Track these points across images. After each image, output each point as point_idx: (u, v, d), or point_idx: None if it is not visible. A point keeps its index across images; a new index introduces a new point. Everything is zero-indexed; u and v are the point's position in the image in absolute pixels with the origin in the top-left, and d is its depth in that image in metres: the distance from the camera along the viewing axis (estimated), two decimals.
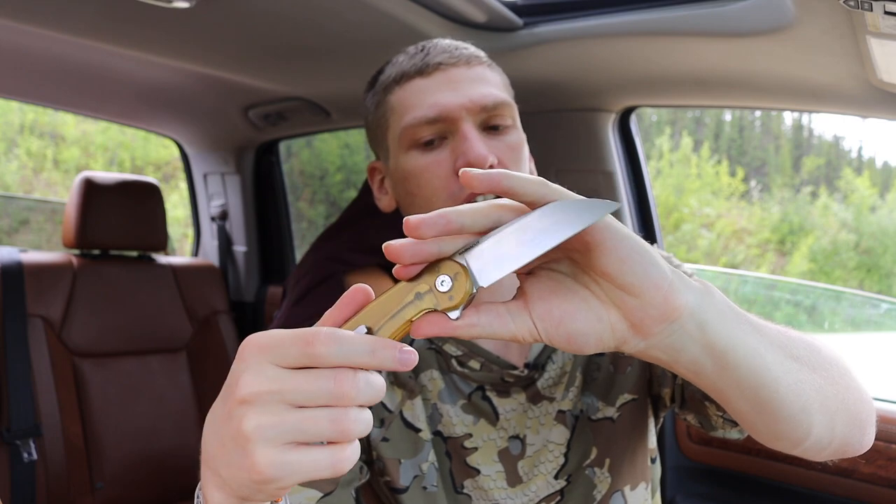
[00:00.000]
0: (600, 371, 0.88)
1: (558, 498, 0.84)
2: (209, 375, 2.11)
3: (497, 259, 0.47)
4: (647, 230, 1.69)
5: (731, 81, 1.32)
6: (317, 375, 0.44)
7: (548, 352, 0.86)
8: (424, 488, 0.83)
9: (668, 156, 11.93)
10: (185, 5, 1.19)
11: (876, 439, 1.36)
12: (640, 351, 0.52)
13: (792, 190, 12.32)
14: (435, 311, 0.47)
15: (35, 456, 1.72)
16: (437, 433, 0.84)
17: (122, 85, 1.84)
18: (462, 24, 1.34)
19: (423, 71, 0.81)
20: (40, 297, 1.85)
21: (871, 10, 0.88)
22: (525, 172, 0.83)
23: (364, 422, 0.44)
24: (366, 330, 0.47)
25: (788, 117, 13.26)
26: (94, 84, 1.83)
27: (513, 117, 0.84)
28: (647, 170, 1.68)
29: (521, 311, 0.50)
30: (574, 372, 0.87)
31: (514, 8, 1.32)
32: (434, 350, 0.87)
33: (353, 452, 0.45)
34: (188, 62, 1.58)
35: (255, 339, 0.46)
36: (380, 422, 0.85)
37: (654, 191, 1.75)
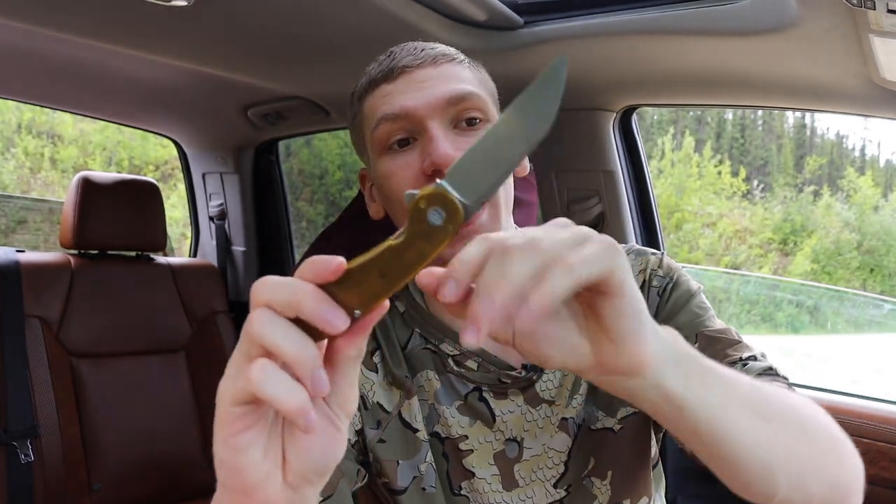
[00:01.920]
0: None
1: None
2: (208, 376, 2.10)
3: (480, 168, 0.45)
4: (649, 230, 1.68)
5: (734, 80, 1.31)
6: (293, 334, 0.46)
7: None
8: (423, 489, 0.82)
9: (670, 155, 11.93)
10: (184, 4, 1.18)
11: (879, 441, 1.36)
12: (599, 382, 0.53)
13: (794, 189, 12.31)
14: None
15: (32, 457, 1.71)
16: (434, 434, 0.84)
17: (120, 84, 1.83)
18: (462, 23, 1.33)
19: (388, 76, 0.81)
20: (38, 298, 1.85)
21: (874, 9, 0.87)
22: None
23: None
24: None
25: (791, 116, 13.25)
26: (92, 83, 1.82)
27: (486, 111, 0.82)
28: (649, 169, 1.67)
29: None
30: (578, 378, 0.85)
31: (514, 7, 1.31)
32: (431, 350, 0.86)
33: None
34: (187, 61, 1.57)
35: (262, 283, 0.48)
36: (376, 423, 0.84)
37: (656, 190, 1.75)
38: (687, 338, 0.56)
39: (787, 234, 11.36)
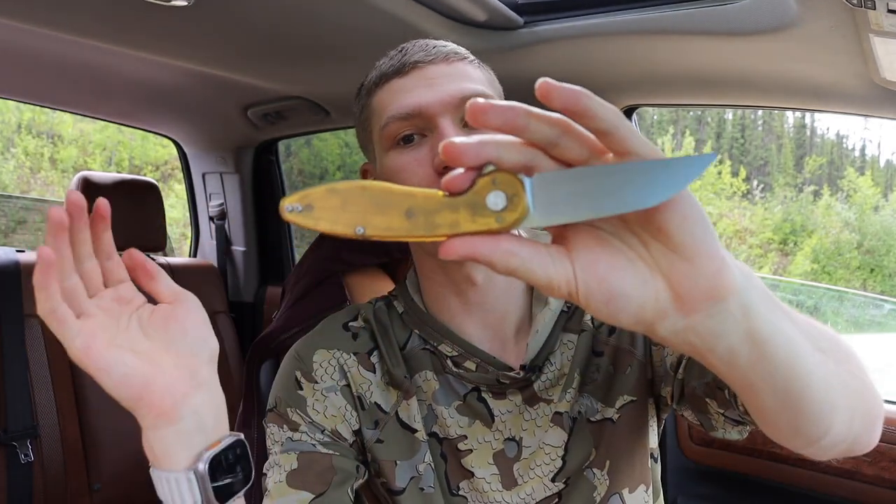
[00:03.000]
0: (599, 372, 0.86)
1: (556, 500, 0.83)
2: None
3: (566, 196, 0.40)
4: None
5: (734, 81, 1.31)
6: None
7: (545, 354, 0.85)
8: (422, 489, 0.82)
9: (670, 155, 11.93)
10: (184, 3, 1.18)
11: (880, 441, 1.35)
12: (676, 332, 0.45)
13: (794, 189, 12.32)
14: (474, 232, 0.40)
15: (32, 457, 1.71)
16: (432, 434, 0.84)
17: (120, 84, 1.83)
18: (462, 23, 1.33)
19: (400, 71, 0.80)
20: None
21: (874, 9, 0.87)
22: None
23: None
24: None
25: (791, 116, 13.26)
26: (92, 83, 1.82)
27: None
28: None
29: (562, 257, 0.44)
30: (572, 373, 0.85)
31: (514, 7, 1.31)
32: (429, 350, 0.86)
33: None
34: (187, 61, 1.57)
35: None
36: (374, 423, 0.84)
37: None
38: None
39: (787, 234, 11.37)
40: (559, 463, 0.83)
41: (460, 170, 0.41)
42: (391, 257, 1.50)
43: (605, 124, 0.41)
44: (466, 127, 0.79)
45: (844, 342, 0.64)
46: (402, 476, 0.83)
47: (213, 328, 2.27)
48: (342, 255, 1.49)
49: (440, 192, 0.41)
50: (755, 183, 12.37)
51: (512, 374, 0.82)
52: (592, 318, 0.88)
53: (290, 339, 1.73)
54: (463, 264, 0.79)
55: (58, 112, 7.73)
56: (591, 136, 0.42)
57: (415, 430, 0.83)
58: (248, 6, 1.24)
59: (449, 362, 0.84)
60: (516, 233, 0.42)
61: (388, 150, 0.81)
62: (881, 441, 1.39)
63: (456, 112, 0.78)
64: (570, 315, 0.88)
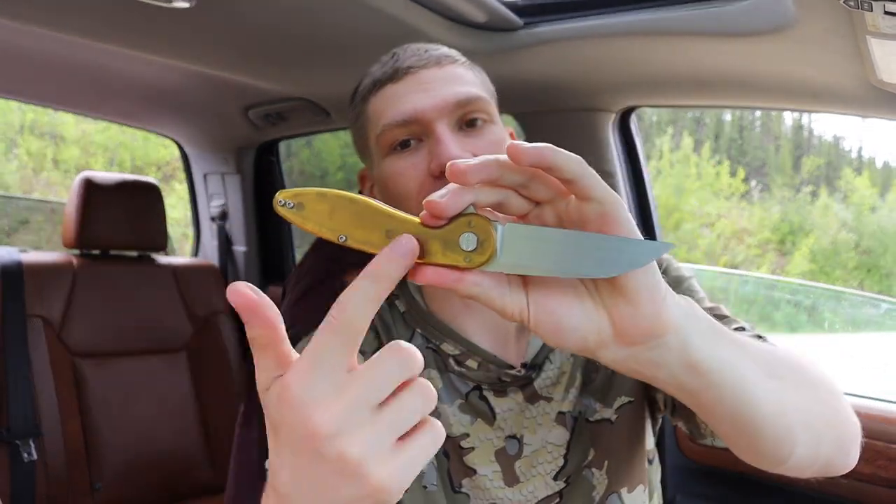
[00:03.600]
0: (598, 372, 0.87)
1: (557, 499, 0.84)
2: (209, 376, 2.11)
3: (532, 251, 0.45)
4: (648, 230, 1.69)
5: (731, 81, 1.32)
6: (377, 363, 0.44)
7: (545, 352, 0.86)
8: (425, 487, 0.82)
9: (669, 156, 11.94)
10: (185, 5, 1.19)
11: (876, 440, 1.36)
12: (618, 360, 0.51)
13: (792, 190, 12.32)
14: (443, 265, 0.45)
15: (35, 456, 1.72)
16: None
17: (122, 85, 1.84)
18: (462, 24, 1.34)
19: (394, 77, 0.81)
20: (40, 298, 1.85)
21: (871, 10, 0.88)
22: None
23: (428, 382, 0.45)
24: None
25: (788, 117, 13.26)
26: (94, 84, 1.83)
27: (490, 113, 0.82)
28: (648, 170, 1.68)
29: (518, 289, 0.50)
30: (574, 373, 0.86)
31: (514, 8, 1.32)
32: (432, 349, 0.87)
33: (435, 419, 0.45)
34: (188, 62, 1.58)
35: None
36: None
37: (655, 191, 1.75)
38: None
39: (784, 235, 11.37)
40: (561, 462, 0.84)
41: (442, 192, 0.46)
42: None
43: (569, 174, 0.47)
44: (462, 130, 0.80)
45: (812, 369, 0.66)
46: None
47: (214, 328, 2.28)
48: (343, 255, 1.50)
49: (418, 220, 0.45)
50: (753, 183, 12.37)
51: (513, 371, 0.83)
52: None
53: (290, 339, 1.73)
54: None
55: (60, 113, 7.72)
56: (556, 181, 0.48)
57: None
58: (249, 8, 1.25)
59: (451, 361, 0.85)
60: None
61: (385, 156, 0.82)
62: (878, 440, 1.40)
63: (451, 116, 0.79)
64: None
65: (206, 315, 2.16)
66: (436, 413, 0.84)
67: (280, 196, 0.45)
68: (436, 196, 0.45)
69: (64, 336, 1.88)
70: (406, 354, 0.44)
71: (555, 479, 0.84)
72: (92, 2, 1.21)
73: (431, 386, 0.45)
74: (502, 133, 0.84)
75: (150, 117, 2.25)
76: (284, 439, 0.45)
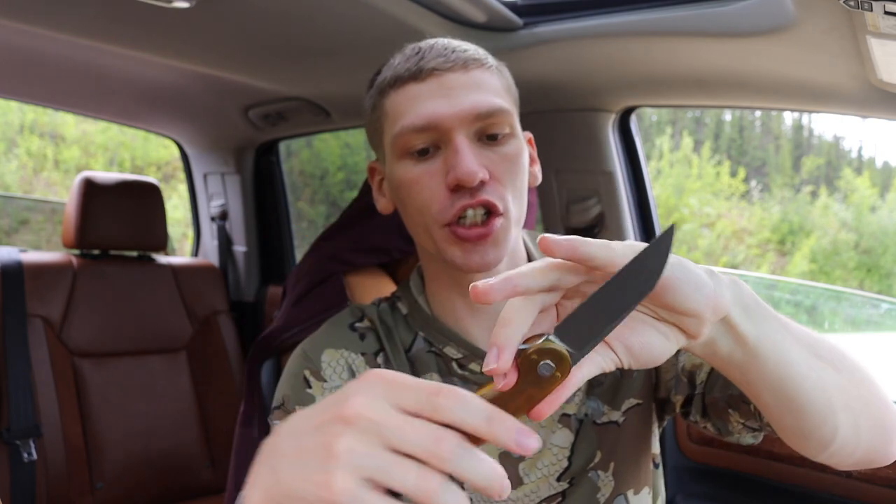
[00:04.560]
0: (607, 375, 0.87)
1: (559, 499, 0.84)
2: (209, 375, 2.11)
3: (589, 328, 0.48)
4: (647, 231, 1.69)
5: (731, 81, 1.32)
6: (424, 425, 0.43)
7: None
8: None
9: (669, 156, 11.93)
10: (185, 5, 1.19)
11: None
12: (685, 348, 0.56)
13: (792, 190, 12.32)
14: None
15: (35, 456, 1.72)
16: None
17: (122, 85, 1.84)
18: (462, 24, 1.33)
19: (417, 76, 0.79)
20: (40, 298, 1.85)
21: (871, 10, 0.88)
22: (522, 183, 0.83)
23: (452, 494, 0.43)
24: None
25: (788, 117, 13.26)
26: (94, 84, 1.83)
27: (511, 125, 0.81)
28: (648, 170, 1.68)
29: (605, 350, 0.53)
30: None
31: (514, 8, 1.32)
32: (435, 353, 0.87)
33: None
34: (188, 62, 1.58)
35: (382, 373, 0.46)
36: None
37: (655, 191, 1.75)
38: None
39: (784, 235, 11.36)
40: (565, 463, 0.84)
41: (497, 358, 0.47)
42: (391, 257, 1.51)
43: (600, 263, 0.50)
44: (481, 141, 0.79)
45: (852, 357, 0.67)
46: None
47: (214, 328, 2.29)
48: (343, 255, 1.50)
49: (489, 397, 0.47)
50: (753, 183, 12.36)
51: None
52: None
53: (291, 339, 1.73)
54: (469, 272, 0.82)
55: (60, 113, 7.73)
56: (580, 267, 0.51)
57: None
58: (249, 7, 1.25)
59: (454, 364, 0.85)
60: None
61: (400, 157, 0.81)
62: None
63: (471, 126, 0.78)
64: None
65: (206, 315, 2.16)
66: None
67: None
68: (497, 335, 0.47)
69: (64, 336, 1.88)
70: (447, 447, 0.43)
71: (558, 479, 0.84)
72: (92, 2, 1.21)
73: (453, 494, 0.44)
74: (521, 146, 0.83)
75: (150, 117, 2.25)
76: (326, 401, 0.47)
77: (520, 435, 0.43)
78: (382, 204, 0.92)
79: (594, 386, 0.87)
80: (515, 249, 0.86)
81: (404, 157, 0.80)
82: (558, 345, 0.47)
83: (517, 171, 0.82)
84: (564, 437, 0.85)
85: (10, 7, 1.24)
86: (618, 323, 0.49)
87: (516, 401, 0.47)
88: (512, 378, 0.47)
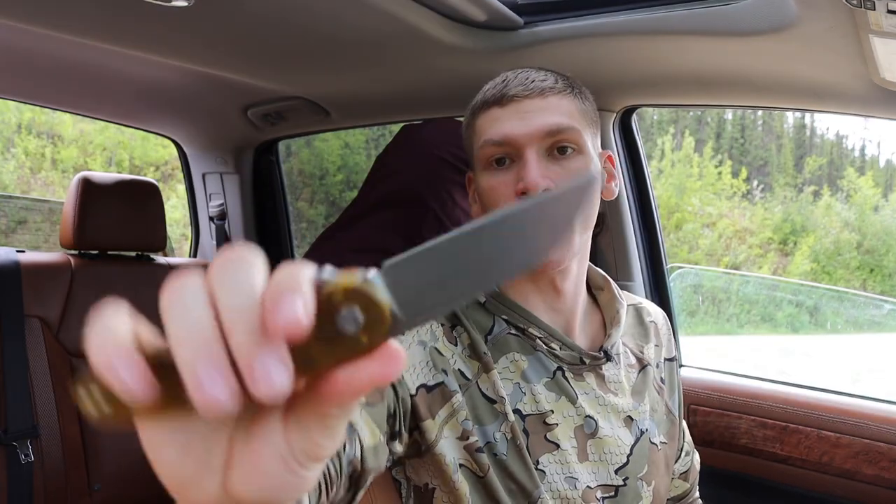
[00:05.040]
0: (657, 411, 1.02)
1: (612, 493, 0.92)
2: None
3: (436, 282, 0.32)
4: (649, 230, 1.68)
5: (733, 81, 1.31)
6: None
7: (616, 348, 0.98)
8: (495, 455, 0.88)
9: (670, 155, 11.93)
10: (184, 4, 1.18)
11: (879, 441, 1.36)
12: None
13: (794, 189, 12.32)
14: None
15: (32, 457, 1.71)
16: (516, 411, 0.90)
17: (121, 84, 1.83)
18: (462, 23, 1.33)
19: (500, 101, 0.91)
20: (38, 298, 1.85)
21: (874, 9, 0.87)
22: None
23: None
24: None
25: (790, 116, 13.26)
26: (92, 83, 1.82)
27: (579, 143, 0.90)
28: (649, 169, 1.67)
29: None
30: (643, 389, 1.00)
31: (514, 7, 1.31)
32: (515, 335, 0.94)
33: None
34: (187, 61, 1.57)
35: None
36: (459, 387, 0.89)
37: (656, 191, 1.75)
38: None
39: (786, 234, 11.36)
40: (624, 459, 0.93)
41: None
42: (391, 257, 1.51)
43: None
44: (552, 156, 0.90)
45: None
46: (478, 437, 0.88)
47: None
48: (343, 255, 1.49)
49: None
50: (755, 183, 12.36)
51: (592, 353, 0.94)
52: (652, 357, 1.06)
53: None
54: (546, 272, 0.91)
55: (58, 112, 7.72)
56: None
57: (494, 402, 0.89)
58: (249, 6, 1.24)
59: (539, 342, 0.94)
60: None
61: (483, 168, 0.93)
62: (881, 441, 1.39)
63: (541, 143, 0.89)
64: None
65: None
66: (520, 391, 0.91)
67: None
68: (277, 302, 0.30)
69: (62, 336, 1.87)
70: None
71: (616, 472, 0.93)
72: (90, 1, 1.21)
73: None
74: (586, 163, 0.92)
75: (148, 117, 2.25)
76: None
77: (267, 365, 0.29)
78: (475, 210, 1.02)
79: (654, 411, 1.00)
80: (582, 253, 0.95)
81: (487, 167, 0.93)
82: (378, 292, 0.31)
83: None
84: (626, 435, 0.94)
85: (9, 6, 1.23)
86: (478, 292, 0.33)
87: (312, 351, 0.30)
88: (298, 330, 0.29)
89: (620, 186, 1.60)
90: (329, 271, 0.32)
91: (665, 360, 1.07)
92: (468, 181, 1.04)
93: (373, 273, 0.31)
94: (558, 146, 0.90)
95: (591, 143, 0.94)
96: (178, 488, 0.35)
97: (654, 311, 1.11)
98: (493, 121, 0.92)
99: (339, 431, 0.33)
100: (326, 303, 0.30)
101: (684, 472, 1.15)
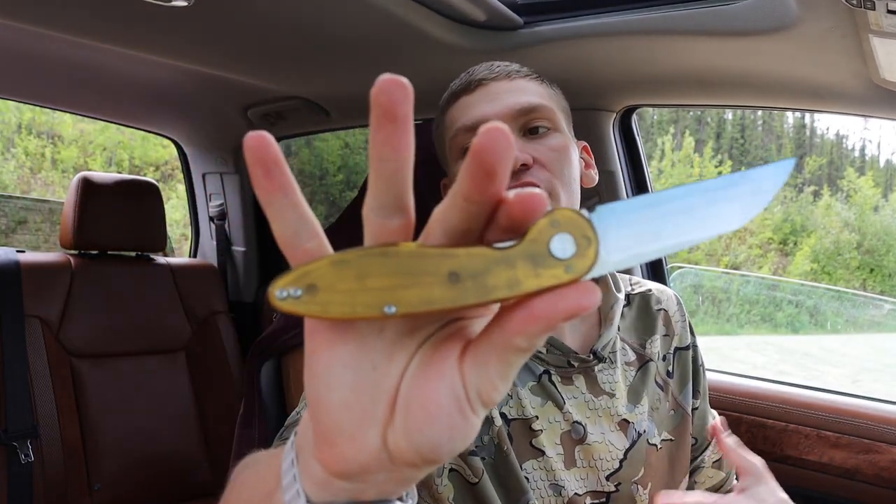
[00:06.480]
0: (659, 408, 0.96)
1: (603, 499, 0.88)
2: (208, 376, 2.10)
3: (638, 232, 0.33)
4: None
5: (733, 81, 1.31)
6: None
7: (609, 348, 0.93)
8: (483, 458, 0.86)
9: (670, 155, 11.93)
10: (184, 4, 1.18)
11: (880, 441, 1.36)
12: None
13: (794, 190, 12.32)
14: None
15: (32, 457, 1.71)
16: (502, 415, 0.88)
17: (121, 84, 1.83)
18: (462, 23, 1.33)
19: (467, 89, 0.89)
20: (38, 298, 1.85)
21: (874, 9, 0.87)
22: (571, 175, 0.89)
23: None
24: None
25: (790, 116, 13.26)
26: (92, 83, 1.82)
27: (553, 121, 0.88)
28: (649, 170, 1.67)
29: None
30: (640, 390, 0.94)
31: (514, 7, 1.31)
32: None
33: None
34: (187, 61, 1.57)
35: None
36: None
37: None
38: None
39: (786, 234, 11.37)
40: (616, 465, 0.88)
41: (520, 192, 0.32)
42: None
43: None
44: (525, 136, 0.87)
45: None
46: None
47: (213, 328, 2.27)
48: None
49: (487, 248, 0.32)
50: None
51: (581, 356, 0.89)
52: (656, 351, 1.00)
53: (291, 341, 1.73)
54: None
55: (58, 112, 7.72)
56: None
57: None
58: (248, 6, 1.24)
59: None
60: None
61: (457, 159, 0.90)
62: (882, 442, 1.39)
63: (514, 122, 0.86)
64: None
65: (205, 315, 2.15)
66: (507, 394, 0.88)
67: (277, 286, 0.33)
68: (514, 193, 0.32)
69: (62, 336, 1.87)
70: None
71: (608, 478, 0.88)
72: (90, 1, 1.21)
73: None
74: (566, 141, 0.89)
75: (148, 117, 2.25)
76: None
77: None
78: None
79: (654, 410, 0.94)
80: None
81: (460, 157, 0.89)
82: (595, 231, 0.32)
83: (564, 162, 0.87)
84: (620, 439, 0.90)
85: (8, 6, 1.23)
86: (676, 249, 0.34)
87: (496, 275, 0.31)
88: (522, 227, 0.32)
89: (621, 186, 1.60)
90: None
91: (676, 349, 1.00)
92: (443, 188, 0.99)
93: (586, 212, 0.33)
94: (531, 126, 0.87)
95: (566, 126, 0.91)
96: (335, 443, 0.34)
97: (665, 297, 1.04)
98: (464, 108, 0.89)
99: (514, 373, 0.33)
100: (545, 224, 0.31)
101: (717, 461, 1.05)
